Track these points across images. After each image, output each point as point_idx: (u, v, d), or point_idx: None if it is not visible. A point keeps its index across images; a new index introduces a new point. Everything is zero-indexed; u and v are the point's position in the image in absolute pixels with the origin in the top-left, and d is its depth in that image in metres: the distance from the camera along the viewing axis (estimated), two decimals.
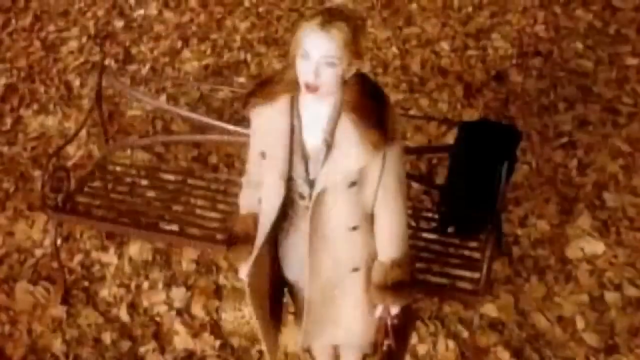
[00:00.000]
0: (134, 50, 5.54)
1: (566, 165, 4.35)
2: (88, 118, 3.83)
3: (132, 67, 5.28)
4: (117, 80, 3.87)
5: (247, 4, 6.00)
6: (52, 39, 5.74)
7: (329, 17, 2.20)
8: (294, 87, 2.34)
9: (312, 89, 2.23)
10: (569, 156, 4.40)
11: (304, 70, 2.23)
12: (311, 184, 2.37)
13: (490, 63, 5.19)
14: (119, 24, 5.84)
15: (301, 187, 2.40)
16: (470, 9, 5.79)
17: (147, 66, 5.34)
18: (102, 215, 3.65)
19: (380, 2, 5.86)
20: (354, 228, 2.42)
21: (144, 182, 3.90)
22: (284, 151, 2.36)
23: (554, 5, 5.76)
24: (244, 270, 2.60)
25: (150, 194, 3.77)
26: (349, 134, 2.29)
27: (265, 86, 2.42)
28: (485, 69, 5.13)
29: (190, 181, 3.87)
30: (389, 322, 2.57)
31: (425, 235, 3.44)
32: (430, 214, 3.58)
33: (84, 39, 5.68)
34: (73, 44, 5.66)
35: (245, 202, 2.63)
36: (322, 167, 2.33)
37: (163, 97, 4.99)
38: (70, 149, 4.62)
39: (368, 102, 2.30)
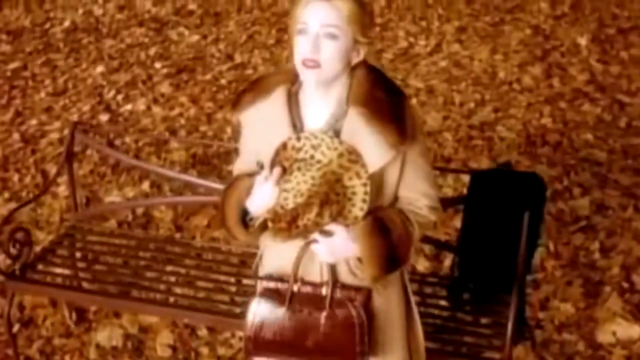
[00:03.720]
0: (117, 142, 5.23)
1: (587, 248, 3.93)
2: (58, 176, 3.47)
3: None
4: (90, 138, 3.53)
5: None
6: (33, 131, 5.43)
7: None
8: (291, 78, 2.00)
9: (311, 64, 1.86)
10: (589, 239, 3.99)
11: (302, 45, 1.88)
12: None
13: (497, 151, 4.87)
14: (104, 117, 5.56)
15: None
16: (472, 104, 5.53)
17: (131, 155, 4.99)
18: (66, 284, 3.20)
19: None
20: None
21: (121, 251, 3.47)
22: None
23: (559, 101, 5.51)
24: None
25: (121, 261, 3.34)
26: (360, 131, 1.91)
27: (259, 81, 2.08)
28: (492, 157, 4.81)
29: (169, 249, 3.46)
30: None
31: (436, 302, 2.99)
32: (440, 280, 3.15)
33: (66, 131, 5.36)
34: (54, 136, 5.34)
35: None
36: None
37: (146, 184, 4.64)
38: (41, 235, 4.22)
39: (381, 94, 1.94)
